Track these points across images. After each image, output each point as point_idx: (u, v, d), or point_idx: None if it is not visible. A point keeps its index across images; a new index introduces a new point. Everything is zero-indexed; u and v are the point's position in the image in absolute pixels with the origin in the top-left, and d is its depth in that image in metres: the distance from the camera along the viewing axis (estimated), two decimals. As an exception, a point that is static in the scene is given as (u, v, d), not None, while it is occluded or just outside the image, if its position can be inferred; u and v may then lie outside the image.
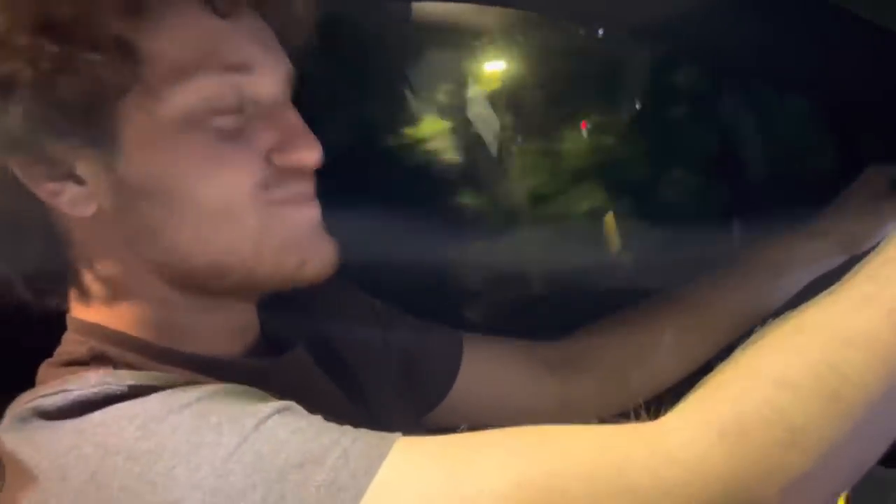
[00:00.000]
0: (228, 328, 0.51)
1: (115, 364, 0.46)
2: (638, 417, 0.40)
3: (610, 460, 0.37)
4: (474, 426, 0.67)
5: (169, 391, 0.41)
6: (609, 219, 1.02)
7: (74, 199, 0.45)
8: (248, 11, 0.47)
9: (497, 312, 0.97)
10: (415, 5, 0.93)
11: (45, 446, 0.40)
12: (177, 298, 0.48)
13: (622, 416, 0.40)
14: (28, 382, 0.47)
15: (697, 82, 0.96)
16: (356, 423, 0.53)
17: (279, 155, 0.47)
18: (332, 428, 0.40)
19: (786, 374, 0.37)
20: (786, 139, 0.88)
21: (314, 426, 0.40)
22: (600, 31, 1.06)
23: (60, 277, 0.49)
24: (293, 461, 0.38)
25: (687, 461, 0.36)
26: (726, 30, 0.76)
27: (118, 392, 0.41)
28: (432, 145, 1.07)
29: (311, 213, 0.49)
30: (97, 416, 0.40)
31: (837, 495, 0.38)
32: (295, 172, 0.48)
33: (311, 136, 0.48)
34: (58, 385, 0.43)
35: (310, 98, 0.51)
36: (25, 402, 0.43)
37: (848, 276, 0.40)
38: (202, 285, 0.48)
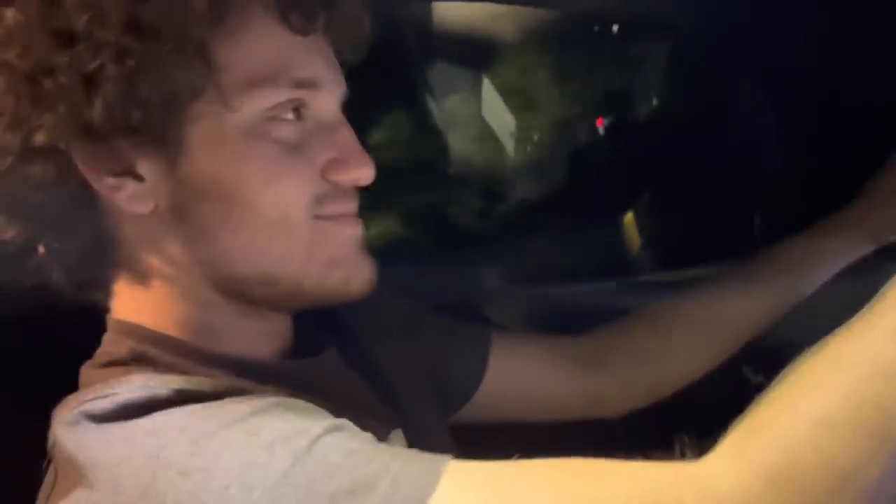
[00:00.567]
0: (265, 332, 0.52)
1: (155, 365, 0.46)
2: (683, 453, 0.39)
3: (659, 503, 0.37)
4: (502, 421, 0.68)
5: (218, 402, 0.41)
6: (629, 218, 1.02)
7: (133, 196, 0.46)
8: (317, 30, 0.48)
9: (517, 311, 0.97)
10: (433, 7, 0.94)
11: (96, 452, 0.41)
12: (220, 302, 0.49)
13: (666, 452, 0.40)
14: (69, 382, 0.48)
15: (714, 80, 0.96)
16: (388, 423, 0.54)
17: (335, 171, 0.48)
18: (384, 451, 0.40)
19: (829, 413, 0.36)
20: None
21: (366, 449, 0.40)
22: (615, 27, 1.06)
23: (103, 272, 0.49)
24: (345, 487, 0.37)
25: None
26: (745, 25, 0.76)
27: (164, 397, 0.41)
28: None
29: (355, 231, 0.51)
30: (146, 423, 0.40)
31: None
32: (345, 189, 0.49)
33: (366, 154, 0.50)
34: (103, 388, 0.43)
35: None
36: (73, 405, 0.43)
37: (876, 299, 0.40)
38: (247, 293, 0.48)
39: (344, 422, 0.42)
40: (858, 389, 0.37)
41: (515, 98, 1.18)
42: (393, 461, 0.39)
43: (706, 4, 0.78)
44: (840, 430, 0.36)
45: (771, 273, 0.69)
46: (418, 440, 0.54)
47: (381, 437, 0.47)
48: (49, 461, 0.45)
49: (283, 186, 0.46)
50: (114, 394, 0.42)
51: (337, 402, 0.46)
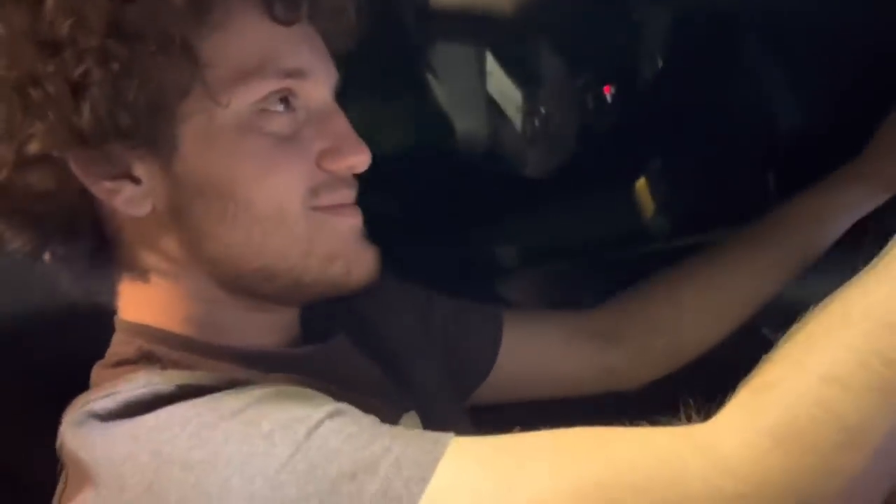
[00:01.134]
0: (272, 324, 0.52)
1: (163, 362, 0.47)
2: (689, 418, 0.39)
3: (663, 469, 0.37)
4: (518, 401, 0.68)
5: (219, 395, 0.42)
6: (641, 184, 1.00)
7: (130, 199, 0.46)
8: (303, 19, 0.48)
9: (531, 285, 0.96)
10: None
11: (101, 450, 0.41)
12: (224, 299, 0.49)
13: (672, 416, 0.39)
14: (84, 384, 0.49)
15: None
16: (401, 406, 0.54)
17: (330, 160, 0.48)
18: (385, 433, 0.41)
19: (835, 369, 0.36)
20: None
21: (366, 432, 0.40)
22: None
23: (109, 278, 0.50)
24: (346, 471, 0.38)
25: (742, 469, 0.35)
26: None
27: (167, 393, 0.42)
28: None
29: (354, 220, 0.51)
30: (150, 419, 0.41)
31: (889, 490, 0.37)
32: (342, 178, 0.49)
33: (360, 142, 0.49)
34: (108, 387, 0.44)
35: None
36: (80, 405, 0.44)
37: (885, 251, 0.39)
38: (250, 288, 0.49)
39: (345, 406, 0.42)
40: (866, 343, 0.36)
41: (520, 71, 1.16)
42: (394, 442, 0.39)
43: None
44: (847, 385, 0.35)
45: (784, 231, 0.68)
46: (434, 422, 0.54)
47: (394, 419, 0.47)
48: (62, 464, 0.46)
49: (277, 179, 0.46)
50: (118, 392, 0.43)
51: (347, 387, 0.47)
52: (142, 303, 0.49)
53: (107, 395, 0.43)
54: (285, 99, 0.47)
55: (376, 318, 0.61)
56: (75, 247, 0.49)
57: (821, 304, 0.39)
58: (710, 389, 0.40)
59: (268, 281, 0.48)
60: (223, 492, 0.38)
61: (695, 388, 0.40)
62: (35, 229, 0.48)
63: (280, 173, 0.46)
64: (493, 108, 1.15)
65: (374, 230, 0.53)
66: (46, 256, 0.49)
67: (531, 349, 0.68)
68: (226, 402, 0.41)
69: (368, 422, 0.42)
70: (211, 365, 0.47)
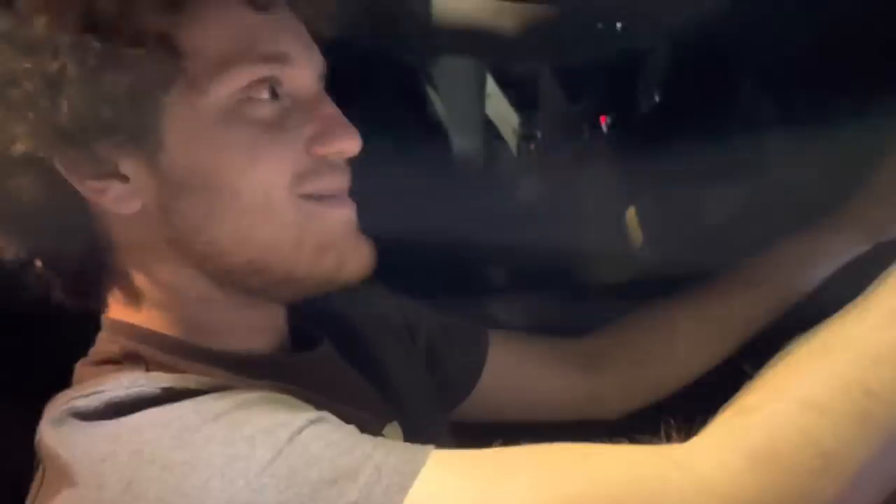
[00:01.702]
0: (260, 326, 0.52)
1: (147, 363, 0.46)
2: (669, 437, 0.40)
3: (642, 485, 0.37)
4: (500, 421, 0.68)
5: (202, 398, 0.41)
6: (631, 213, 1.01)
7: (119, 197, 0.46)
8: (282, 5, 0.48)
9: (519, 307, 0.97)
10: (435, 2, 0.93)
11: (81, 449, 0.41)
12: (215, 296, 0.49)
13: (653, 435, 0.40)
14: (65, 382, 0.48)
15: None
16: (388, 416, 0.54)
17: (319, 145, 0.47)
18: (366, 441, 0.40)
19: (814, 396, 0.37)
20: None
21: (347, 439, 0.40)
22: (619, 25, 1.05)
23: (99, 277, 0.49)
24: (326, 477, 0.38)
25: (719, 488, 0.36)
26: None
27: (151, 395, 0.41)
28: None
29: (346, 212, 0.50)
30: (132, 420, 0.40)
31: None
32: (332, 165, 0.48)
33: (350, 126, 0.49)
34: (92, 386, 0.43)
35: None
36: (62, 402, 0.44)
37: (872, 286, 0.40)
38: (242, 283, 0.48)
39: (326, 414, 0.42)
40: (847, 373, 0.37)
41: (519, 95, 1.18)
42: (375, 451, 0.39)
43: (710, 3, 0.78)
44: (826, 412, 0.36)
45: (769, 272, 0.69)
46: (415, 434, 0.54)
47: (376, 430, 0.47)
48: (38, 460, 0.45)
49: (263, 166, 0.45)
50: (101, 392, 0.42)
51: (331, 396, 0.47)
52: (129, 302, 0.49)
53: (90, 395, 0.42)
54: (270, 87, 0.46)
55: (363, 328, 0.61)
56: (66, 251, 0.48)
57: (806, 335, 0.40)
58: (691, 411, 0.41)
59: (259, 274, 0.47)
60: (203, 493, 0.37)
61: (676, 409, 0.41)
62: (26, 235, 0.47)
63: (265, 160, 0.46)
64: (490, 129, 1.17)
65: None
66: (37, 262, 0.49)
67: (516, 370, 0.68)
68: (209, 405, 0.41)
69: (350, 430, 0.42)
70: (196, 368, 0.47)
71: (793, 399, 0.37)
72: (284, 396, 0.43)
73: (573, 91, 1.15)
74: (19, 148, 0.43)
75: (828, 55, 0.75)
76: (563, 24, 0.97)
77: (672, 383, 0.70)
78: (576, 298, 0.91)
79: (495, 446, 0.41)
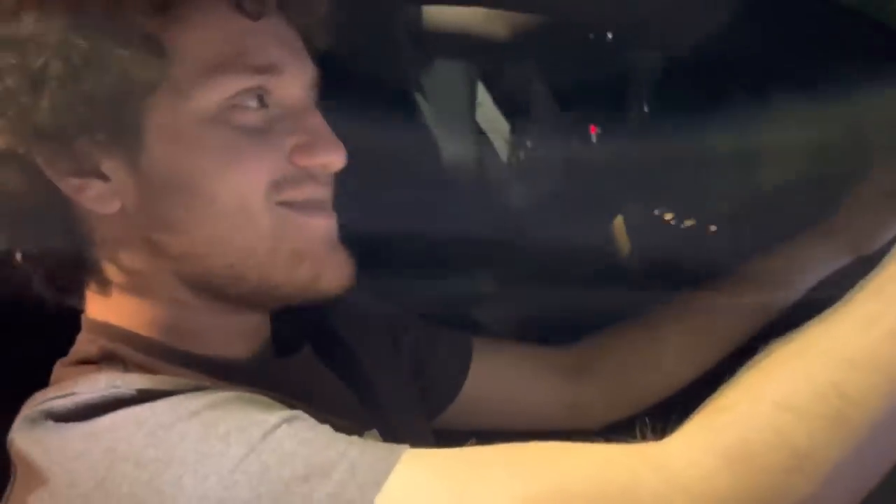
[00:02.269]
0: (240, 331, 0.51)
1: (126, 364, 0.46)
2: (644, 436, 0.40)
3: (615, 482, 0.37)
4: (484, 429, 0.68)
5: (178, 397, 0.41)
6: (619, 222, 1.02)
7: (99, 196, 0.46)
8: (274, 13, 0.47)
9: (507, 316, 0.97)
10: (425, 10, 0.94)
11: (54, 449, 0.41)
12: (192, 301, 0.48)
13: (628, 435, 0.40)
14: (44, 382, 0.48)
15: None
16: (367, 423, 0.54)
17: (302, 156, 0.47)
18: (340, 439, 0.40)
19: (790, 397, 0.37)
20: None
21: (322, 437, 0.40)
22: (609, 35, 1.06)
23: (78, 276, 0.49)
24: (299, 473, 0.38)
25: (693, 486, 0.36)
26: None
27: (127, 396, 0.41)
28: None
29: (325, 222, 0.49)
30: (106, 420, 0.40)
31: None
32: (313, 176, 0.48)
33: (336, 139, 0.48)
34: (68, 387, 0.43)
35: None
36: (37, 403, 0.43)
37: (852, 292, 0.40)
38: (218, 289, 0.48)
39: (301, 413, 0.42)
40: (822, 375, 0.37)
41: (510, 104, 1.18)
42: (349, 448, 0.39)
43: (701, 16, 0.78)
44: (800, 413, 0.36)
45: (754, 283, 0.69)
46: (395, 441, 0.53)
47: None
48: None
49: (241, 170, 0.45)
50: (76, 393, 0.42)
51: (310, 403, 0.46)
52: (109, 302, 0.49)
53: (65, 396, 0.42)
54: (259, 96, 0.46)
55: (346, 334, 0.61)
56: (46, 248, 0.48)
57: (783, 339, 0.40)
58: (665, 412, 0.41)
59: (235, 281, 0.47)
60: (175, 490, 0.37)
61: (651, 410, 0.41)
62: (6, 230, 0.47)
63: (243, 164, 0.45)
64: (481, 137, 1.17)
65: (352, 248, 0.53)
66: (17, 257, 0.49)
67: (499, 378, 0.68)
68: (184, 403, 0.41)
69: (324, 429, 0.41)
70: (174, 371, 0.47)
71: (768, 400, 0.37)
72: (260, 396, 0.43)
73: (564, 100, 1.16)
74: (0, 142, 0.42)
75: (817, 64, 0.76)
76: (554, 33, 0.97)
77: (656, 393, 0.70)
78: (561, 307, 0.91)
79: (470, 444, 0.41)
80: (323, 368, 0.56)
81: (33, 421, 0.42)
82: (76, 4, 0.42)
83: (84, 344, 0.49)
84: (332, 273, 0.49)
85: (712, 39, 0.80)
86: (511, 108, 1.16)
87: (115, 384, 0.42)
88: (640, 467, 0.37)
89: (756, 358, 0.40)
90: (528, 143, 1.17)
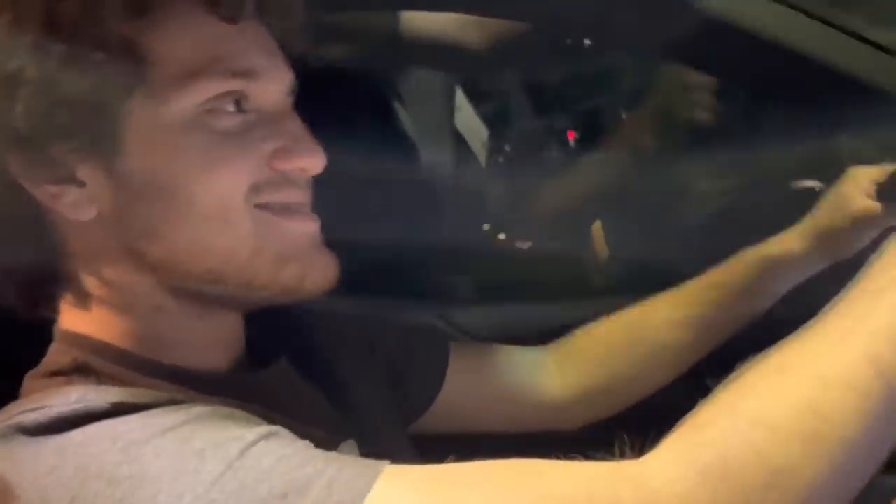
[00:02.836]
0: (215, 340, 0.51)
1: (99, 376, 0.45)
2: (623, 453, 0.40)
3: (594, 500, 0.37)
4: (463, 432, 0.68)
5: (152, 412, 0.40)
6: (597, 226, 1.02)
7: (75, 203, 0.45)
8: (251, 18, 0.47)
9: (482, 318, 0.97)
10: (402, 16, 0.94)
11: (25, 465, 0.40)
12: (171, 306, 0.48)
13: (607, 453, 0.41)
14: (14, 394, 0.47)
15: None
16: (345, 433, 0.53)
17: (281, 160, 0.47)
18: (319, 456, 0.40)
19: (766, 415, 0.38)
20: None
21: (300, 454, 0.40)
22: (586, 42, 1.07)
23: (52, 285, 0.48)
24: (276, 491, 0.37)
25: (670, 502, 0.36)
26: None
27: (99, 409, 0.40)
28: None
29: (307, 224, 0.49)
30: (78, 435, 0.39)
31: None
32: (292, 179, 0.48)
33: (314, 143, 0.48)
34: (39, 399, 0.42)
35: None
36: (7, 416, 0.42)
37: (827, 308, 0.41)
38: (199, 293, 0.47)
39: (279, 429, 0.41)
40: (798, 394, 0.38)
41: (488, 109, 1.18)
42: (327, 466, 0.39)
43: (675, 23, 0.79)
44: (776, 431, 0.37)
45: (729, 286, 0.69)
46: (373, 450, 0.53)
47: (332, 447, 0.46)
48: None
49: (219, 174, 0.45)
50: (48, 406, 0.41)
51: (286, 414, 0.46)
52: (83, 313, 0.48)
53: (36, 409, 0.41)
54: (236, 100, 0.46)
55: (321, 342, 0.60)
56: (20, 258, 0.47)
57: (761, 355, 0.41)
58: (644, 429, 0.41)
59: (216, 284, 0.46)
60: None
61: (629, 428, 0.41)
62: None
63: (222, 168, 0.45)
64: (459, 142, 1.17)
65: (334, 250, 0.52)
66: None
67: (476, 381, 0.68)
68: (159, 418, 0.40)
69: (303, 445, 0.41)
70: (148, 383, 0.46)
71: (745, 417, 0.38)
72: (237, 412, 0.43)
73: (542, 105, 1.17)
74: None
75: (793, 73, 0.77)
76: (531, 39, 0.98)
77: (632, 395, 0.70)
78: (538, 309, 0.91)
79: (449, 461, 0.41)
80: (299, 379, 0.55)
81: (3, 435, 0.41)
82: (51, 8, 0.41)
83: (56, 355, 0.48)
84: (317, 274, 0.49)
85: (687, 43, 0.81)
86: (490, 113, 1.16)
87: (87, 397, 0.41)
88: (619, 485, 0.37)
89: (734, 374, 0.40)
90: (507, 148, 1.18)
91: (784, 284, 0.69)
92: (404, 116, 1.07)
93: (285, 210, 0.48)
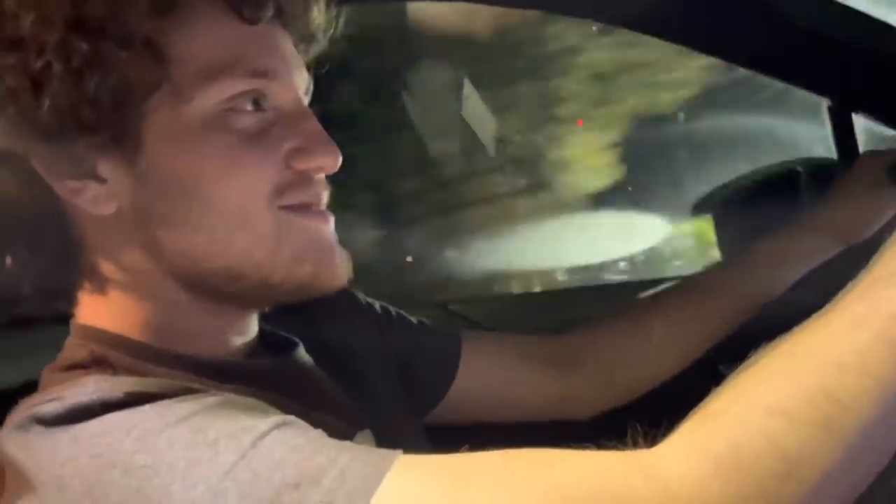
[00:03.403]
0: (230, 331, 0.51)
1: (115, 368, 0.46)
2: (635, 443, 0.40)
3: (607, 490, 0.37)
4: (475, 422, 0.68)
5: (167, 402, 0.41)
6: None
7: (95, 198, 0.46)
8: (271, 19, 0.48)
9: (496, 308, 0.97)
10: (409, 6, 0.93)
11: (42, 454, 0.40)
12: (186, 302, 0.48)
13: (619, 442, 0.40)
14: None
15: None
16: (361, 423, 0.54)
17: (299, 159, 0.48)
18: (331, 445, 0.40)
19: (779, 402, 0.37)
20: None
21: (312, 443, 0.40)
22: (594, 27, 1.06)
23: (71, 279, 0.49)
24: (289, 481, 0.37)
25: (684, 493, 0.36)
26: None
27: (115, 399, 0.41)
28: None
29: (324, 223, 0.50)
30: (94, 424, 0.40)
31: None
32: (311, 180, 0.49)
33: (331, 142, 0.49)
34: (56, 391, 0.43)
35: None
36: (25, 408, 0.43)
37: (840, 294, 0.41)
38: (216, 290, 0.48)
39: (292, 418, 0.42)
40: (811, 380, 0.38)
41: (496, 99, 1.18)
42: (340, 455, 0.39)
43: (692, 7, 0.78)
44: (791, 418, 0.37)
45: (742, 274, 0.69)
46: (388, 440, 0.53)
47: (348, 437, 0.46)
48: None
49: (242, 176, 0.46)
50: (65, 397, 0.41)
51: (302, 402, 0.46)
52: (100, 306, 0.49)
53: (53, 400, 0.42)
54: (255, 100, 0.47)
55: (336, 333, 0.61)
56: (39, 251, 0.48)
57: (774, 342, 0.40)
58: (657, 418, 0.41)
59: (234, 281, 0.47)
60: (164, 497, 0.37)
61: (643, 416, 0.41)
62: None
63: (245, 170, 0.46)
64: (468, 131, 1.17)
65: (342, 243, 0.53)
66: (8, 260, 0.48)
67: (489, 371, 0.68)
68: (173, 408, 0.40)
69: (316, 434, 0.41)
70: (164, 373, 0.46)
71: (758, 405, 0.38)
72: (251, 400, 0.43)
73: (551, 95, 1.16)
74: None
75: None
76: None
77: (645, 383, 0.70)
78: (551, 298, 0.91)
79: (462, 451, 0.41)
80: (315, 369, 0.56)
81: (22, 427, 0.42)
82: (76, 7, 0.42)
83: (73, 349, 0.48)
84: (331, 272, 0.50)
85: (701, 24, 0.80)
86: (497, 102, 1.16)
87: (102, 387, 0.42)
88: (631, 475, 0.37)
89: (747, 361, 0.40)
90: (517, 138, 1.17)
91: (798, 270, 0.68)
92: (412, 105, 1.06)
93: (304, 209, 0.49)
